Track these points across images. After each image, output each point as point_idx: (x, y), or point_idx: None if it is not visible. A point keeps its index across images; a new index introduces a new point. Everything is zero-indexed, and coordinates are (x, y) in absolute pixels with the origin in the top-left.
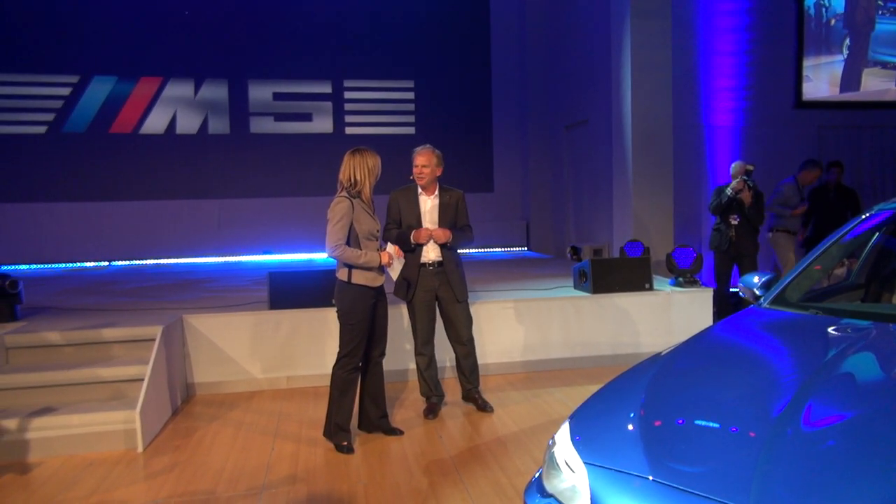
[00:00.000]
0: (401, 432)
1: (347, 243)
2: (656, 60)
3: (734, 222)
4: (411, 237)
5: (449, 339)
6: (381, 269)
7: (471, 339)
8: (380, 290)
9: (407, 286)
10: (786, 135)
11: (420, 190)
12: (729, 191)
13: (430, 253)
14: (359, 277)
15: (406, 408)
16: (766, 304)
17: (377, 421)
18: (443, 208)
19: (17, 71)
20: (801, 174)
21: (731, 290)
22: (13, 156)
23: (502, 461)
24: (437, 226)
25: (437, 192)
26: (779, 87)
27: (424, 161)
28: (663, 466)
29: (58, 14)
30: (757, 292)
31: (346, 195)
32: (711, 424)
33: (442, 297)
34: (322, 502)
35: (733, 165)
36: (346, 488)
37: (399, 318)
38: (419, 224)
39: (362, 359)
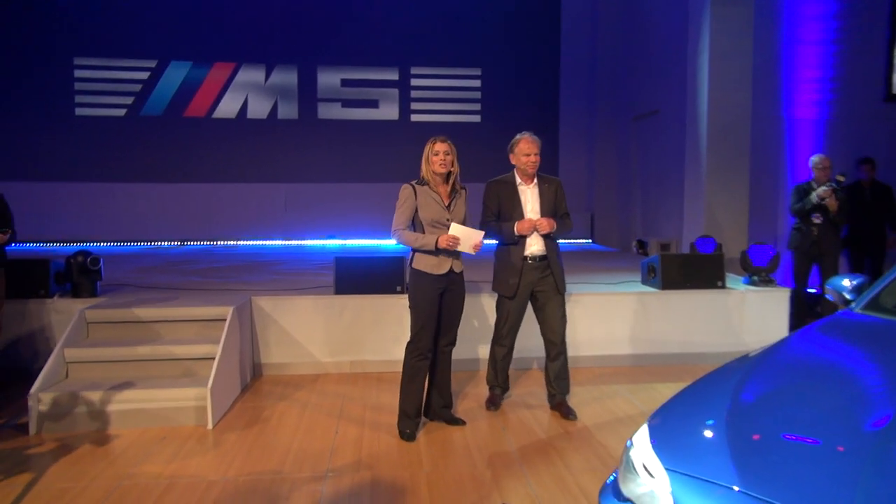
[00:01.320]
0: (463, 423)
1: (415, 230)
2: (736, 49)
3: (817, 221)
4: (514, 228)
5: (543, 336)
6: (458, 254)
7: (564, 341)
8: (451, 279)
9: (500, 276)
10: (874, 130)
11: (519, 180)
12: (815, 198)
13: (533, 246)
14: (419, 263)
15: (470, 398)
16: (858, 309)
17: (440, 410)
18: (543, 197)
19: (99, 55)
20: None
21: (809, 290)
22: (95, 137)
23: (567, 457)
24: (539, 215)
25: (535, 181)
26: (868, 79)
27: (535, 149)
28: (753, 478)
29: (137, 1)
30: (847, 296)
31: (414, 182)
32: (805, 436)
33: (540, 290)
34: (385, 489)
35: (814, 159)
36: (408, 476)
37: (469, 307)
38: (521, 215)
39: (431, 346)
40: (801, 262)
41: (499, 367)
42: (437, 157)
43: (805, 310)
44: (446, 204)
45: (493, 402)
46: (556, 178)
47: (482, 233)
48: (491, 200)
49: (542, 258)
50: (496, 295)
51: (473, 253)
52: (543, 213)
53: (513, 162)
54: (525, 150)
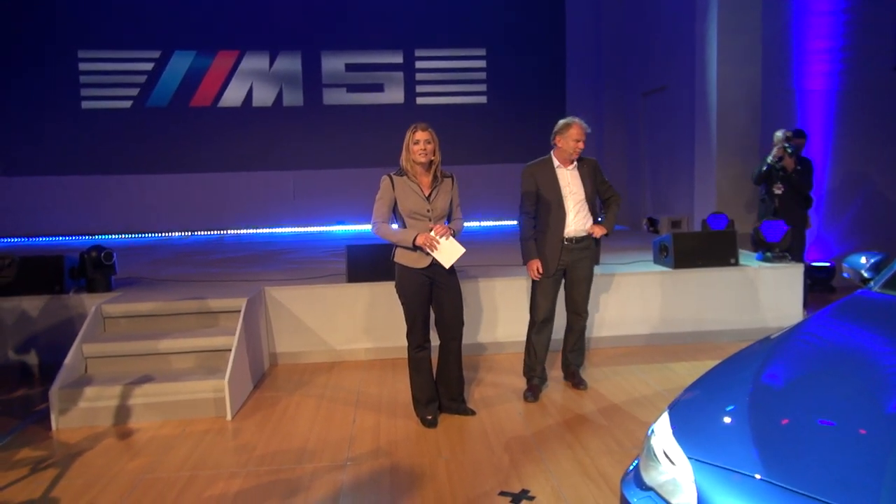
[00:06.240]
0: (472, 412)
1: (397, 221)
2: (745, 21)
3: (778, 192)
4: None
5: (567, 309)
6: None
7: (587, 311)
8: (437, 272)
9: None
10: (886, 99)
11: (557, 162)
12: (770, 159)
13: (571, 227)
14: (400, 257)
15: (485, 384)
16: (877, 288)
17: (447, 403)
18: (584, 178)
19: (102, 48)
20: None
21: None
22: (102, 130)
23: (583, 440)
24: (583, 198)
25: (574, 164)
26: (879, 48)
27: (585, 137)
28: (776, 465)
29: None
30: (865, 274)
31: (392, 173)
32: (829, 422)
33: (576, 268)
34: (405, 476)
35: (775, 135)
36: (427, 462)
37: (483, 292)
38: (560, 198)
39: (428, 336)
40: None
41: (537, 356)
42: (418, 145)
43: None
44: (426, 194)
45: (533, 394)
46: (592, 158)
47: (463, 250)
48: (529, 186)
49: (581, 239)
50: (509, 279)
51: (447, 266)
52: (586, 193)
53: (559, 144)
54: (576, 135)
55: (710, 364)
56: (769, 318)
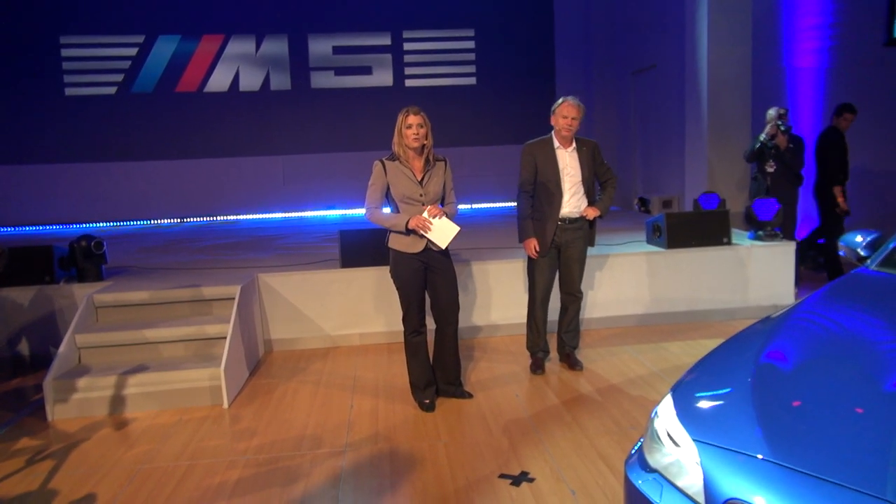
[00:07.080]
0: (470, 396)
1: (390, 206)
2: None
3: (770, 170)
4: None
5: (561, 290)
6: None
7: (581, 291)
8: (431, 256)
9: (536, 239)
10: (876, 75)
11: (557, 143)
12: (763, 137)
13: (566, 208)
14: (394, 242)
15: (481, 368)
16: (874, 266)
17: (444, 387)
18: (582, 161)
19: (85, 33)
20: None
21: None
22: (87, 117)
23: (581, 421)
24: (579, 179)
25: (574, 145)
26: (868, 24)
27: (575, 113)
28: (783, 448)
29: None
30: (861, 252)
31: (384, 158)
32: (833, 402)
33: (570, 247)
34: (405, 460)
35: (768, 112)
36: (427, 446)
37: (478, 275)
38: (558, 178)
39: (423, 321)
40: None
41: (539, 331)
42: (411, 130)
43: None
44: (419, 179)
45: (539, 366)
46: (592, 140)
47: (457, 228)
48: (527, 163)
49: (574, 220)
50: (502, 262)
51: (443, 247)
52: (583, 176)
53: (552, 123)
54: (564, 112)
55: (704, 343)
56: (762, 297)
